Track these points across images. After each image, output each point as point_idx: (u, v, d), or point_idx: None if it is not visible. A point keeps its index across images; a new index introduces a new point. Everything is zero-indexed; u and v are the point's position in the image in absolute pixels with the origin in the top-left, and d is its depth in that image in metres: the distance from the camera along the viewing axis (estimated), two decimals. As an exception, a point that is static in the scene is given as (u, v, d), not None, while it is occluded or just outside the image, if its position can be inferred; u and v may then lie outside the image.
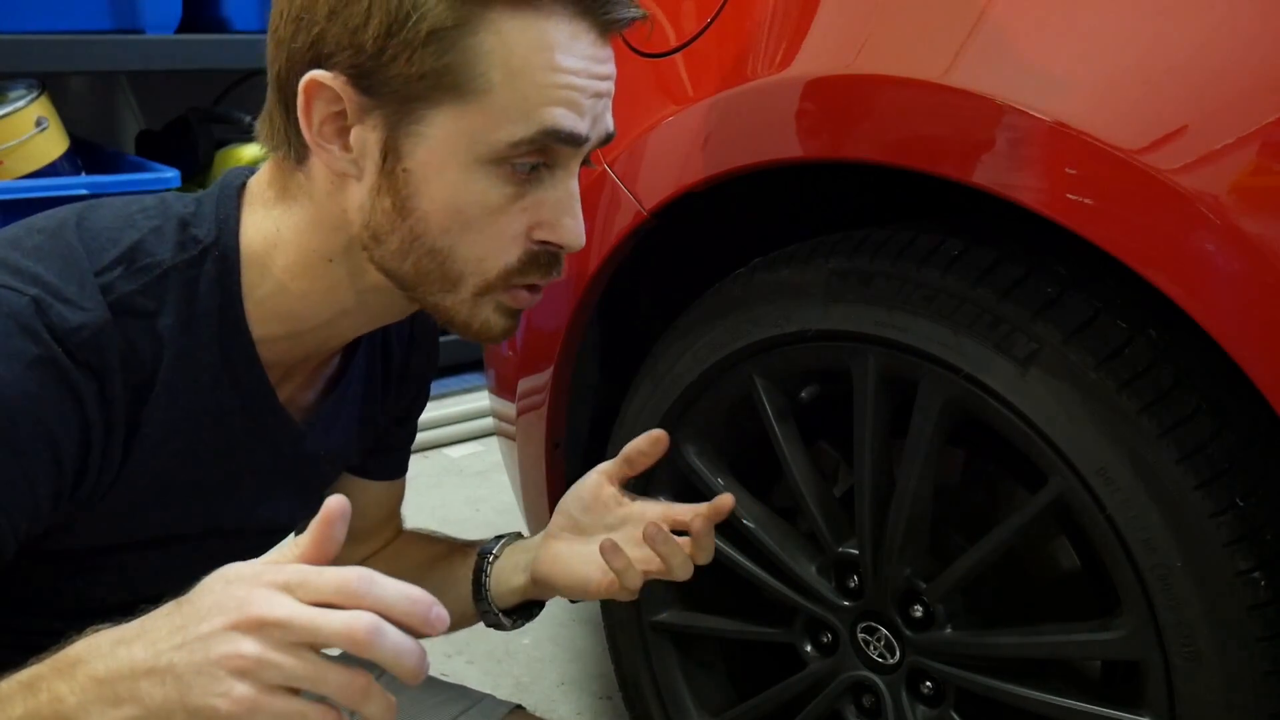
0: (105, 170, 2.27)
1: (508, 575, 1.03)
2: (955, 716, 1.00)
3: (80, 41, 2.14)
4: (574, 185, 0.81)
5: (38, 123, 2.12)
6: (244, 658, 0.60)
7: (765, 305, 1.03)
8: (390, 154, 0.77)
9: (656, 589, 1.19)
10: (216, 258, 0.81)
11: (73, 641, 0.65)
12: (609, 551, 0.91)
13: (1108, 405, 0.83)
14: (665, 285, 1.20)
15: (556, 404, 1.23)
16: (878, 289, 0.95)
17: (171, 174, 2.20)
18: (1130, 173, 0.75)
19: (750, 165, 0.99)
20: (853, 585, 1.04)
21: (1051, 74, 0.81)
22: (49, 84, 2.18)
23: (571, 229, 0.81)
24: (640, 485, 1.16)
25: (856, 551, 1.03)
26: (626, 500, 0.97)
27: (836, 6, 0.95)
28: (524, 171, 0.78)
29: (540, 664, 1.69)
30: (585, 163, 0.83)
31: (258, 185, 0.84)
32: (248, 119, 2.46)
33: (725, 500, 0.93)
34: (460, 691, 1.08)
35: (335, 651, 0.62)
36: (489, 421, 2.39)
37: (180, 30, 2.26)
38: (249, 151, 2.39)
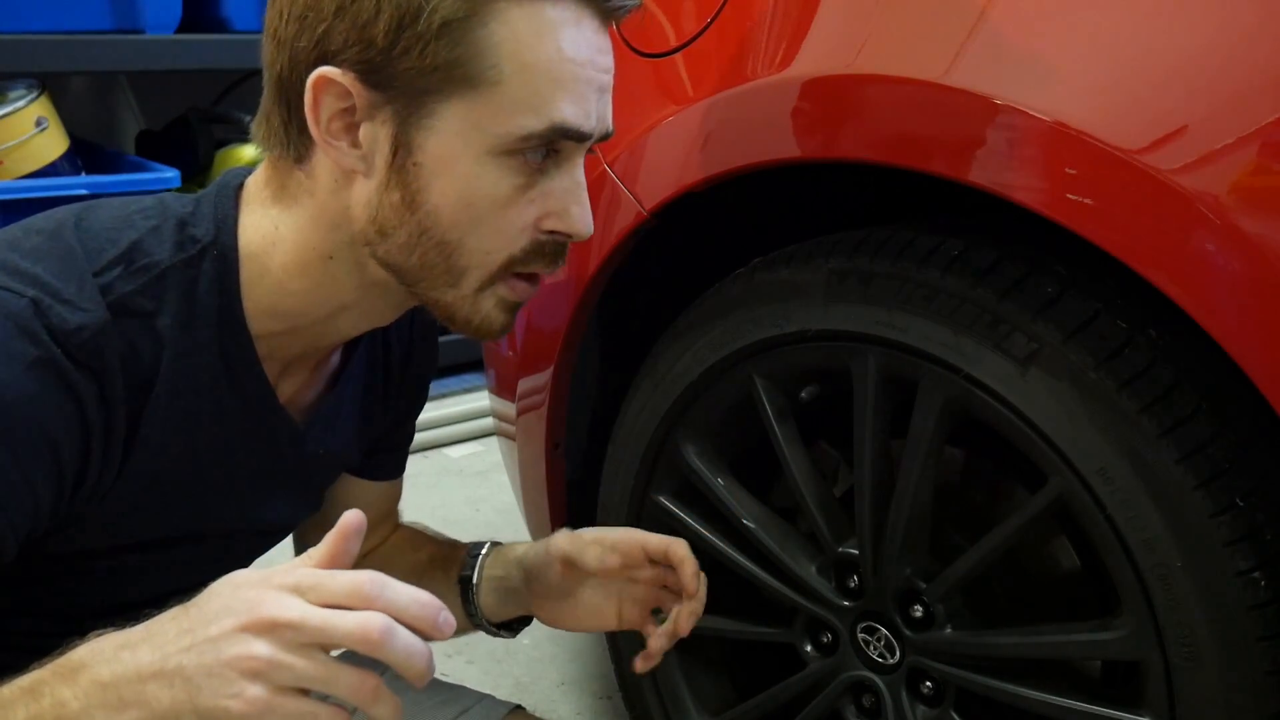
0: (105, 170, 2.27)
1: (495, 604, 1.04)
2: (955, 716, 1.00)
3: (80, 41, 2.14)
4: (580, 174, 0.82)
5: (38, 123, 2.11)
6: (256, 659, 0.60)
7: (765, 305, 1.03)
8: (401, 148, 0.77)
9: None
10: (215, 257, 0.81)
11: (75, 646, 0.65)
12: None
13: (1108, 405, 0.83)
14: (665, 285, 1.20)
15: (556, 404, 1.23)
16: (878, 289, 0.95)
17: (171, 174, 2.20)
18: (1130, 173, 0.75)
19: (750, 165, 0.99)
20: (853, 585, 1.04)
21: (1051, 74, 0.81)
22: (49, 84, 2.18)
23: (580, 217, 0.81)
24: (641, 486, 1.17)
25: (856, 551, 1.03)
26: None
27: (836, 6, 0.95)
28: (535, 161, 0.79)
29: (540, 664, 1.69)
30: (589, 150, 0.84)
31: (255, 185, 0.84)
32: (247, 119, 2.43)
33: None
34: (460, 691, 1.08)
35: (336, 653, 0.62)
36: (489, 421, 2.39)
37: (180, 30, 2.26)
38: (249, 151, 2.39)
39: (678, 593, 0.97)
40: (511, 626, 1.06)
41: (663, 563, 0.96)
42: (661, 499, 1.16)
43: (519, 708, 1.07)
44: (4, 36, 2.05)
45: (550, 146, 0.79)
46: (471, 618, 1.04)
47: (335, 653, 0.62)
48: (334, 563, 0.64)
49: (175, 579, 0.82)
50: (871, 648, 1.03)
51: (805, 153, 0.95)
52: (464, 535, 1.12)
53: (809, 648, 1.09)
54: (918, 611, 0.99)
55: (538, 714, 1.10)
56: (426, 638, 0.62)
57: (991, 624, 1.00)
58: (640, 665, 0.98)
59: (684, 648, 1.21)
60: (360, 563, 1.09)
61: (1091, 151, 0.77)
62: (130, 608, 0.67)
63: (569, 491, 1.30)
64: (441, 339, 1.06)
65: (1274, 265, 0.71)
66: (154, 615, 0.65)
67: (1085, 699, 0.91)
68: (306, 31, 0.76)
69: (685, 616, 0.96)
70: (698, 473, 1.13)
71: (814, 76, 0.94)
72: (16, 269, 0.75)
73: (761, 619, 1.15)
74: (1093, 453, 0.84)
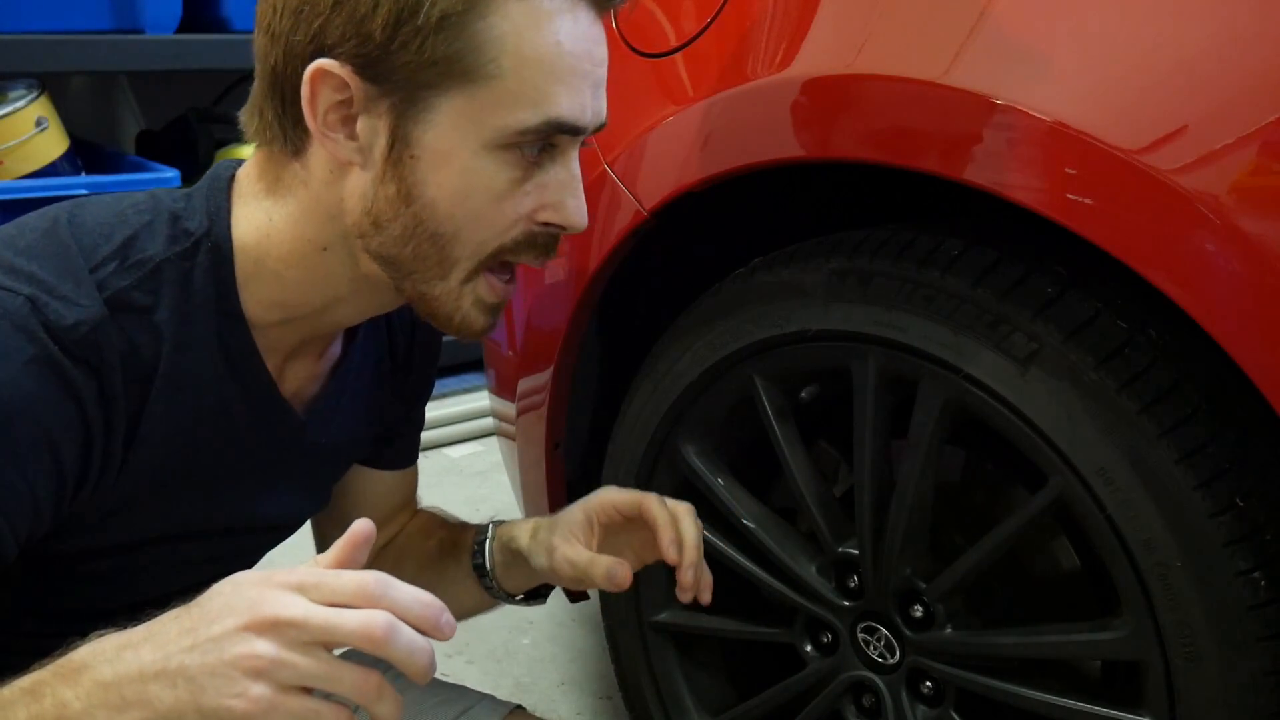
0: (105, 170, 2.27)
1: (514, 580, 1.04)
2: (955, 716, 1.00)
3: (80, 41, 2.14)
4: (575, 166, 0.82)
5: (38, 123, 2.11)
6: (259, 657, 0.60)
7: (765, 305, 1.03)
8: (398, 141, 0.78)
9: (656, 589, 1.19)
10: (209, 249, 0.81)
11: (77, 646, 0.65)
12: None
13: (1108, 405, 0.83)
14: (665, 285, 1.20)
15: (556, 404, 1.23)
16: (878, 289, 0.95)
17: (171, 174, 2.20)
18: (1130, 173, 0.75)
19: (750, 165, 0.99)
20: (853, 585, 1.04)
21: (1051, 74, 0.81)
22: (49, 84, 2.18)
23: (575, 209, 0.82)
24: (641, 487, 1.16)
25: (856, 551, 1.03)
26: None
27: (836, 6, 0.95)
28: (532, 155, 0.79)
29: (540, 664, 1.69)
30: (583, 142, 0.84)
31: (247, 178, 0.84)
32: (245, 117, 2.46)
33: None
34: (460, 691, 1.08)
35: (337, 652, 0.62)
36: (489, 421, 2.39)
37: (180, 30, 2.26)
38: (248, 151, 2.38)
39: None
40: (539, 593, 1.07)
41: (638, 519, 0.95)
42: (661, 499, 1.16)
43: (519, 708, 1.07)
44: (4, 36, 2.05)
45: (547, 140, 0.79)
46: (493, 593, 1.04)
47: (336, 652, 0.62)
48: (342, 569, 0.64)
49: (181, 577, 0.82)
50: (871, 648, 1.03)
51: (805, 153, 0.95)
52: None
53: (809, 648, 1.09)
54: (918, 611, 0.99)
55: (538, 714, 1.10)
56: (428, 638, 0.62)
57: (991, 624, 1.00)
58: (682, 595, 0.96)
59: (684, 648, 1.22)
60: (378, 553, 1.10)
61: (1091, 151, 0.77)
62: (136, 608, 0.67)
63: (569, 491, 1.30)
64: (444, 338, 1.06)
65: (1274, 265, 0.71)
66: (156, 616, 0.65)
67: (1085, 699, 0.91)
68: (302, 25, 0.76)
69: (685, 579, 0.93)
70: (698, 473, 1.13)
71: (814, 76, 0.94)
72: (11, 267, 0.75)
73: (761, 619, 1.15)
74: (1092, 453, 0.84)
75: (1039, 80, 0.81)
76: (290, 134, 0.80)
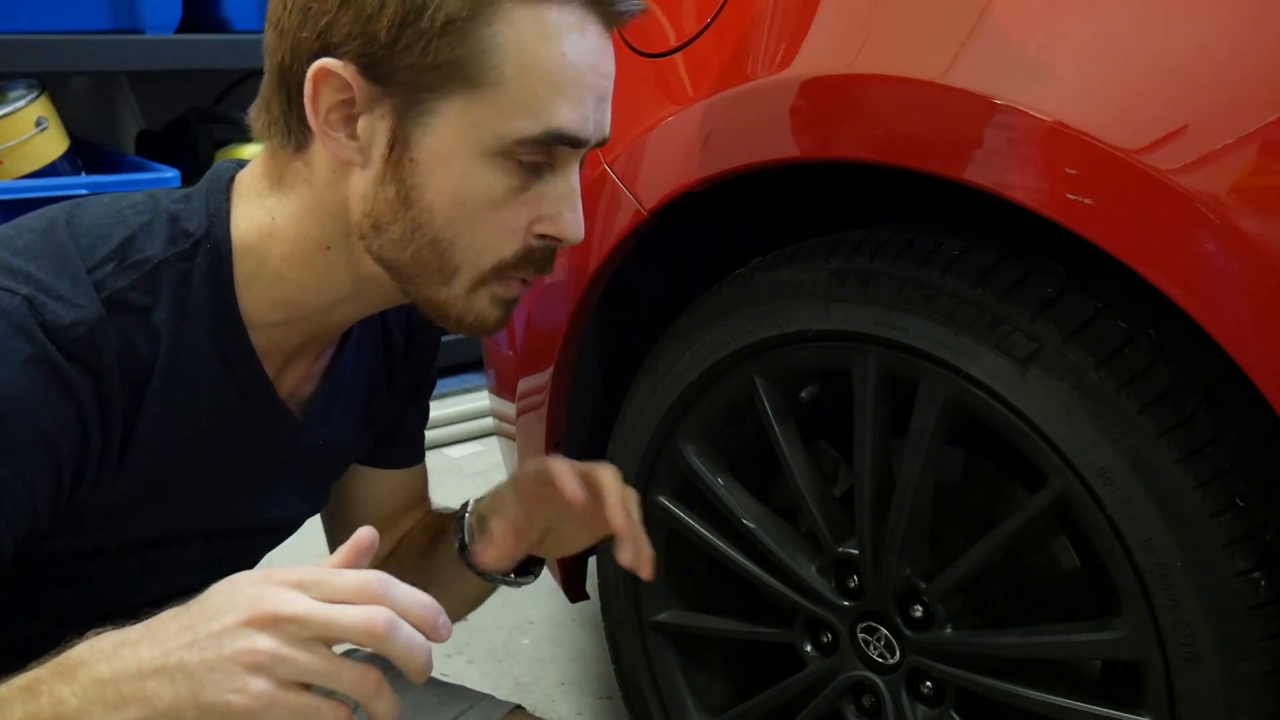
0: (105, 170, 2.27)
1: (495, 557, 1.02)
2: (955, 716, 1.00)
3: (80, 41, 2.14)
4: (575, 179, 0.82)
5: (38, 123, 2.11)
6: (259, 653, 0.60)
7: (765, 305, 1.03)
8: (398, 144, 0.77)
9: (656, 589, 1.19)
10: (208, 250, 0.81)
11: (74, 645, 0.65)
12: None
13: (1108, 405, 0.83)
14: (665, 285, 1.20)
15: (556, 404, 1.23)
16: (878, 289, 0.95)
17: (171, 174, 2.20)
18: (1130, 173, 0.75)
19: (750, 165, 0.99)
20: (853, 585, 1.04)
21: (1051, 74, 0.81)
22: (49, 84, 2.18)
23: (572, 222, 0.81)
24: (641, 486, 1.17)
25: (856, 551, 1.03)
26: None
27: (835, 6, 0.95)
28: (531, 165, 0.79)
29: (540, 664, 1.69)
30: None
31: (249, 176, 0.84)
32: (248, 118, 2.46)
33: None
34: (460, 691, 1.08)
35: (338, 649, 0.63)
36: (489, 421, 2.39)
37: (180, 30, 2.26)
38: (249, 151, 2.39)
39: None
40: (528, 570, 1.05)
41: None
42: (661, 499, 1.16)
43: (519, 708, 1.07)
44: (4, 36, 2.05)
45: (546, 151, 0.79)
46: (483, 577, 1.03)
47: (336, 649, 0.63)
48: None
49: (180, 579, 0.82)
50: (871, 648, 1.03)
51: (805, 153, 0.95)
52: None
53: (809, 648, 1.09)
54: (918, 611, 0.99)
55: (538, 714, 1.10)
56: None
57: (991, 624, 1.00)
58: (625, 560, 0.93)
59: (684, 648, 1.22)
60: (388, 555, 1.09)
61: (1091, 151, 0.77)
62: (135, 609, 0.67)
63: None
64: (443, 338, 1.06)
65: (1274, 265, 0.71)
66: (155, 615, 0.65)
67: (1085, 699, 0.91)
68: (310, 22, 0.76)
69: (624, 554, 0.91)
70: (698, 473, 1.13)
71: (814, 76, 0.94)
72: (9, 267, 0.75)
73: (761, 619, 1.15)
74: (1092, 453, 0.84)
75: (1039, 80, 0.81)
76: (295, 131, 0.80)
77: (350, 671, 0.61)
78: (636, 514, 0.92)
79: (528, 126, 0.77)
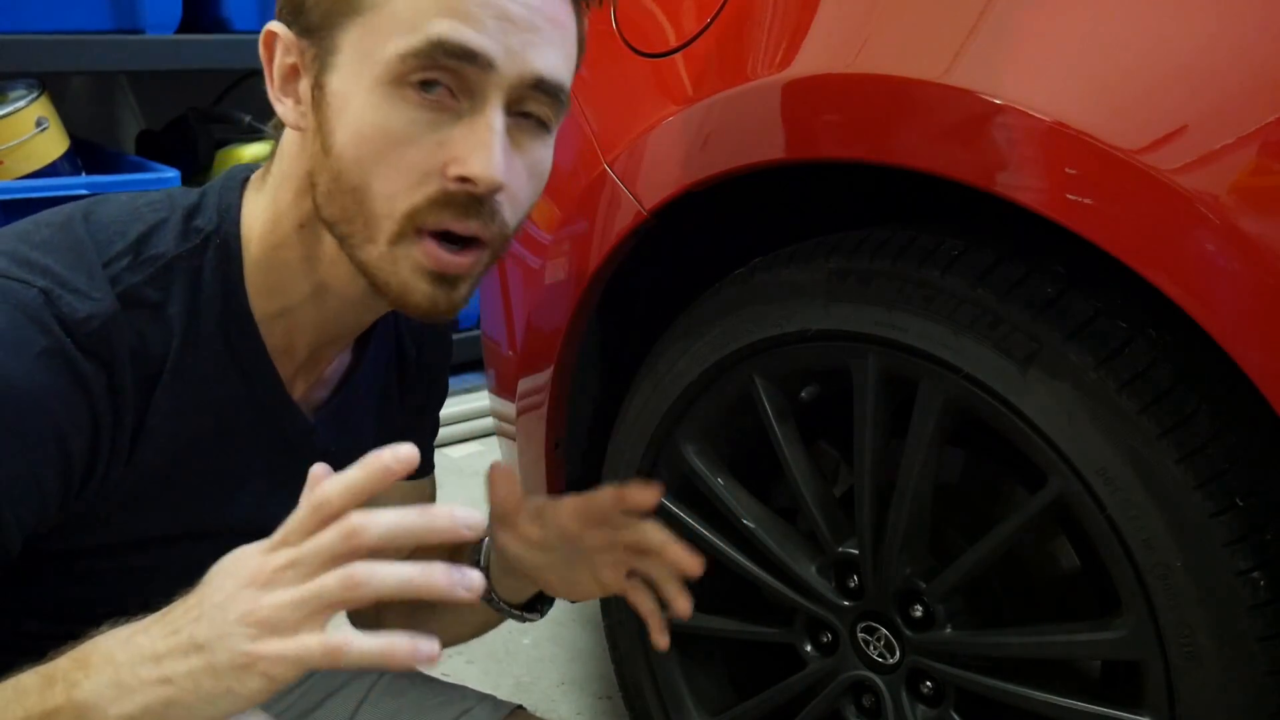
0: (105, 170, 2.27)
1: (511, 588, 1.02)
2: (955, 716, 1.00)
3: (80, 41, 2.14)
4: (493, 119, 0.75)
5: (38, 123, 2.11)
6: (261, 608, 0.62)
7: (765, 305, 1.03)
8: (317, 89, 0.77)
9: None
10: (218, 245, 0.81)
11: (92, 636, 0.67)
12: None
13: (1108, 405, 0.83)
14: (665, 285, 1.20)
15: (556, 404, 1.23)
16: (878, 289, 0.95)
17: (171, 174, 2.20)
18: (1130, 173, 0.75)
19: (750, 165, 0.99)
20: (853, 585, 1.04)
21: (1051, 74, 0.81)
22: (49, 84, 2.18)
23: (482, 160, 0.75)
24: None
25: (856, 551, 1.03)
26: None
27: (836, 6, 0.95)
28: (430, 96, 0.75)
29: (540, 664, 1.69)
30: (539, 121, 0.80)
31: (260, 172, 0.85)
32: (247, 119, 2.46)
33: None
34: (460, 692, 1.08)
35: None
36: (489, 421, 2.39)
37: (180, 30, 2.26)
38: (249, 151, 2.39)
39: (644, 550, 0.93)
40: (536, 608, 1.04)
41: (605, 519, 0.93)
42: (662, 499, 1.16)
43: (519, 708, 1.07)
44: (4, 36, 2.05)
45: (445, 74, 0.74)
46: (493, 604, 1.03)
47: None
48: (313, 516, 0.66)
49: (188, 578, 0.82)
50: (871, 648, 1.03)
51: (805, 153, 0.95)
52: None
53: (809, 648, 1.09)
54: (918, 611, 0.99)
55: (538, 714, 1.10)
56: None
57: (991, 624, 1.00)
58: (660, 641, 0.95)
59: (684, 647, 1.22)
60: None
61: (1091, 151, 0.77)
62: (143, 608, 0.68)
63: (569, 491, 1.30)
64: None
65: (1274, 265, 0.71)
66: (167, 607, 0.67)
67: (1085, 699, 0.91)
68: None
69: (664, 639, 0.92)
70: (698, 473, 1.13)
71: (814, 76, 0.94)
72: (26, 260, 0.76)
73: (761, 619, 1.15)
74: (1092, 453, 0.84)
75: (1039, 80, 0.81)
76: (275, 114, 0.81)
77: (334, 575, 0.62)
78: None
79: (407, 40, 0.74)
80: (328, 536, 0.63)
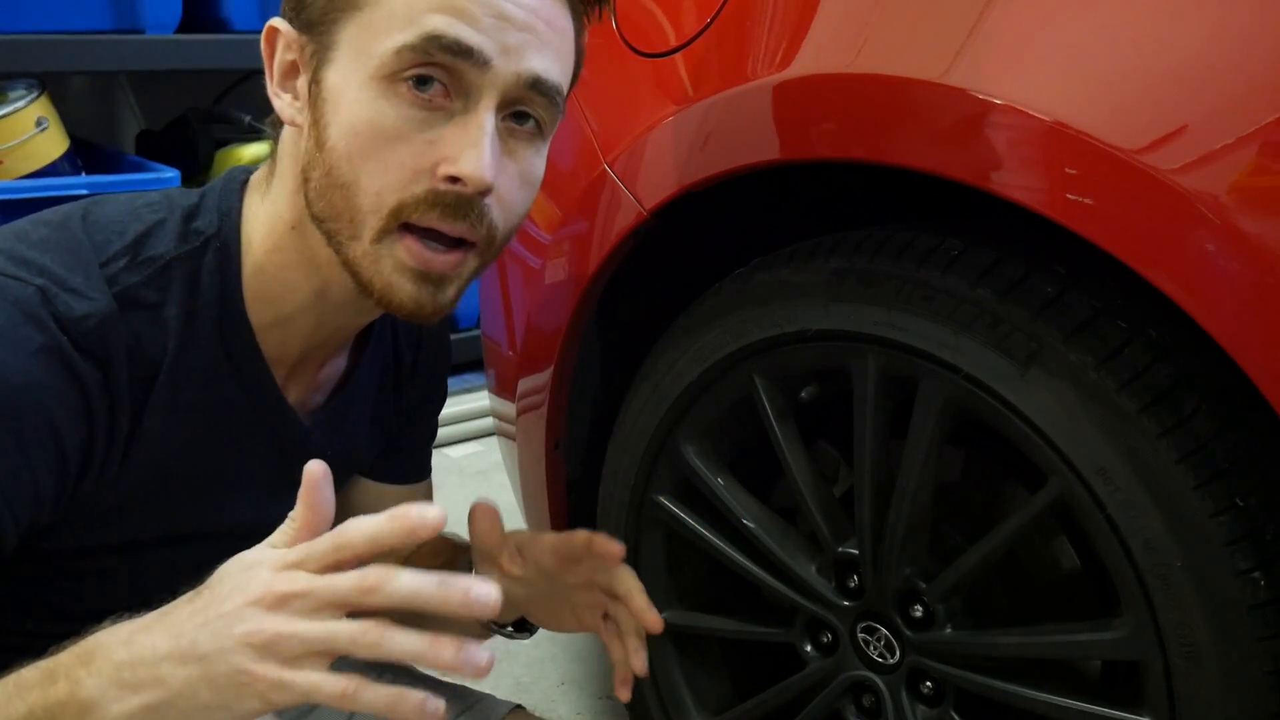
0: (105, 170, 2.27)
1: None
2: (955, 716, 1.00)
3: (80, 41, 2.14)
4: (486, 120, 0.76)
5: (38, 123, 2.12)
6: (264, 633, 0.61)
7: (765, 305, 1.03)
8: (314, 85, 0.78)
9: (656, 589, 1.19)
10: (217, 248, 0.81)
11: (93, 632, 0.67)
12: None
13: (1108, 405, 0.83)
14: (665, 285, 1.20)
15: (556, 404, 1.23)
16: (878, 289, 0.95)
17: (171, 174, 2.20)
18: (1130, 173, 0.75)
19: (751, 165, 0.99)
20: (853, 585, 1.04)
21: (1051, 74, 0.81)
22: (49, 84, 2.18)
23: (472, 160, 0.75)
24: (641, 486, 1.17)
25: (856, 551, 1.03)
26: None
27: (835, 6, 0.95)
28: (423, 94, 0.75)
29: (540, 664, 1.69)
30: (532, 127, 0.79)
31: (259, 174, 0.85)
32: (247, 119, 2.47)
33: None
34: (460, 691, 1.08)
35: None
36: (489, 421, 2.39)
37: (180, 30, 2.26)
38: (249, 151, 2.40)
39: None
40: (527, 627, 1.04)
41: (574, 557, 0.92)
42: (661, 499, 1.16)
43: (519, 707, 1.07)
44: (4, 36, 2.05)
45: (439, 70, 0.74)
46: (483, 623, 1.02)
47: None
48: (313, 513, 0.67)
49: (185, 578, 0.82)
50: (871, 648, 1.03)
51: (805, 153, 0.95)
52: (465, 535, 1.12)
53: (809, 648, 1.09)
54: (918, 611, 0.99)
55: (538, 714, 1.10)
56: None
57: (991, 624, 1.00)
58: (621, 694, 0.94)
59: (684, 648, 1.22)
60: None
61: (1091, 151, 0.77)
62: (140, 608, 0.68)
63: (569, 491, 1.30)
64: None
65: (1274, 265, 0.71)
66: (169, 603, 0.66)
67: (1085, 699, 0.91)
68: None
69: (625, 692, 0.92)
70: (698, 473, 1.13)
71: (813, 76, 0.94)
72: (24, 258, 0.76)
73: (761, 619, 1.15)
74: (1092, 453, 0.84)
75: (1038, 80, 0.81)
76: (274, 111, 0.82)
77: (348, 629, 0.62)
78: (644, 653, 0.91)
79: (402, 35, 0.74)
80: (344, 584, 0.62)
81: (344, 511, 1.05)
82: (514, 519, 1.46)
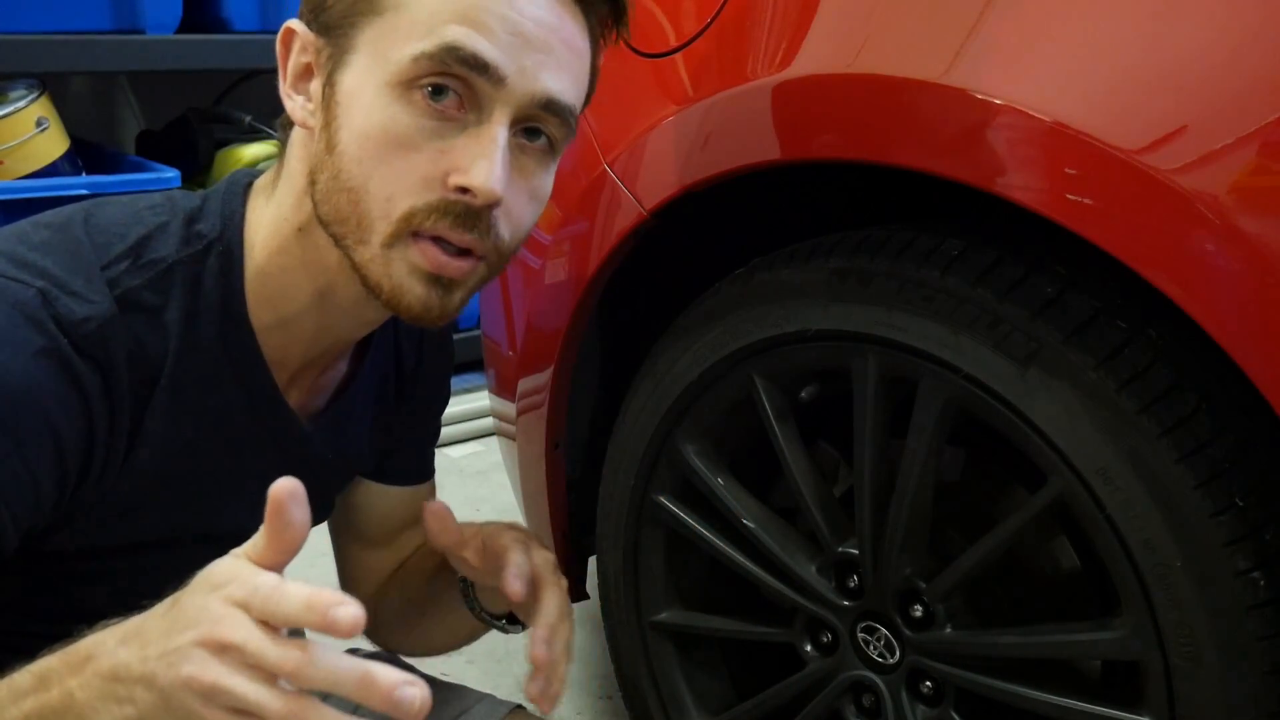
0: (105, 170, 2.27)
1: (492, 598, 1.00)
2: (955, 716, 1.00)
3: (80, 41, 2.14)
4: (498, 133, 0.76)
5: (38, 123, 2.11)
6: (201, 682, 0.60)
7: (765, 305, 1.03)
8: (328, 87, 0.78)
9: (656, 589, 1.19)
10: (220, 252, 0.81)
11: (85, 635, 0.66)
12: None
13: (1107, 405, 0.83)
14: (665, 285, 1.20)
15: (556, 404, 1.23)
16: (878, 289, 0.95)
17: (172, 174, 2.20)
18: (1130, 173, 0.75)
19: (751, 165, 0.99)
20: (853, 585, 1.04)
21: (1051, 74, 0.81)
22: (49, 84, 2.18)
23: (483, 171, 0.75)
24: (641, 486, 1.17)
25: (856, 551, 1.03)
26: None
27: (835, 6, 0.95)
28: (438, 104, 0.75)
29: (540, 664, 1.69)
30: (544, 145, 0.80)
31: (264, 179, 0.85)
32: (248, 119, 2.46)
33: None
34: (460, 691, 1.08)
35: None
36: (489, 421, 2.39)
37: (180, 30, 2.26)
38: (249, 151, 2.39)
39: None
40: (519, 620, 1.03)
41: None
42: (661, 499, 1.16)
43: (519, 707, 1.07)
44: (4, 36, 2.05)
45: (455, 81, 0.75)
46: (475, 613, 1.03)
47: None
48: (278, 538, 0.63)
49: (184, 581, 0.82)
50: (871, 647, 1.03)
51: (805, 153, 0.95)
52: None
53: (809, 647, 1.09)
54: (918, 611, 0.99)
55: (538, 714, 1.10)
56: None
57: (991, 624, 1.00)
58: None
59: (684, 648, 1.22)
60: (391, 575, 1.08)
61: (1091, 151, 0.77)
62: (138, 610, 0.68)
63: (569, 491, 1.30)
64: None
65: (1274, 265, 0.71)
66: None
67: (1085, 699, 0.91)
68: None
69: (534, 687, 0.85)
70: (698, 473, 1.13)
71: (813, 76, 0.94)
72: (24, 261, 0.76)
73: (761, 619, 1.15)
74: (1092, 453, 0.84)
75: (1038, 80, 0.81)
76: (284, 113, 0.82)
77: (279, 704, 0.60)
78: (563, 649, 0.86)
79: (421, 44, 0.74)
80: (272, 656, 0.59)
81: (346, 513, 1.06)
82: (514, 519, 1.46)
